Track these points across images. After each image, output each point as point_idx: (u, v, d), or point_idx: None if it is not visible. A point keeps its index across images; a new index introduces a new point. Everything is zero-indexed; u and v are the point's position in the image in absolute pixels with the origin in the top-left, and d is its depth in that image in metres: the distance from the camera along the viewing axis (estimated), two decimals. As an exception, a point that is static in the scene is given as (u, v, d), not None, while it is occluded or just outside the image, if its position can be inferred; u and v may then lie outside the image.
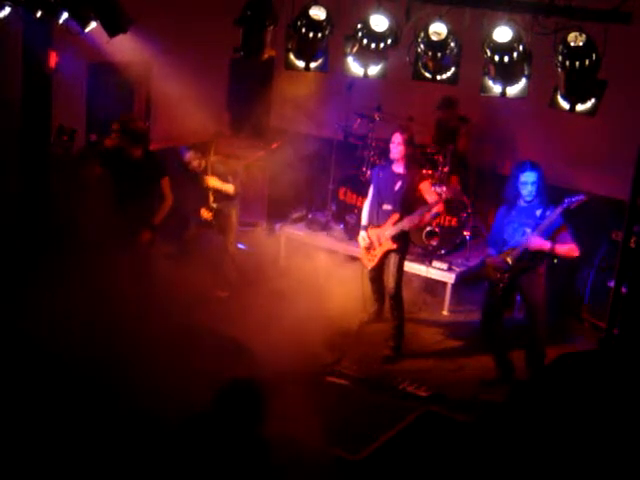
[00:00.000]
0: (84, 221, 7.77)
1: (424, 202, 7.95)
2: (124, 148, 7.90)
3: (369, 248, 8.09)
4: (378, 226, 8.01)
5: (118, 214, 7.88)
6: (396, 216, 7.88)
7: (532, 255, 7.19)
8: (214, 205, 8.57)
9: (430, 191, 8.02)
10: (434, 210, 7.96)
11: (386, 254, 8.00)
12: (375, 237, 8.02)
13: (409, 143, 7.89)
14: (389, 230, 7.91)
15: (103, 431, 5.97)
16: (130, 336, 7.02)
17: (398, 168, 7.96)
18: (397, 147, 7.86)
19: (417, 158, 8.74)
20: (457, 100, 9.75)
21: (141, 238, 8.01)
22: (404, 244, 8.04)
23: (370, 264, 8.17)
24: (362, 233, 8.15)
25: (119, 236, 7.70)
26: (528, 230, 7.15)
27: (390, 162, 8.05)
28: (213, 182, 8.47)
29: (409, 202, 7.91)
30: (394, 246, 7.92)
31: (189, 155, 8.42)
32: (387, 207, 7.96)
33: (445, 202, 8.16)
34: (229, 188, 8.55)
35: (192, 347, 7.22)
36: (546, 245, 7.11)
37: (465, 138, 9.85)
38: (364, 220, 8.22)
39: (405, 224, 7.86)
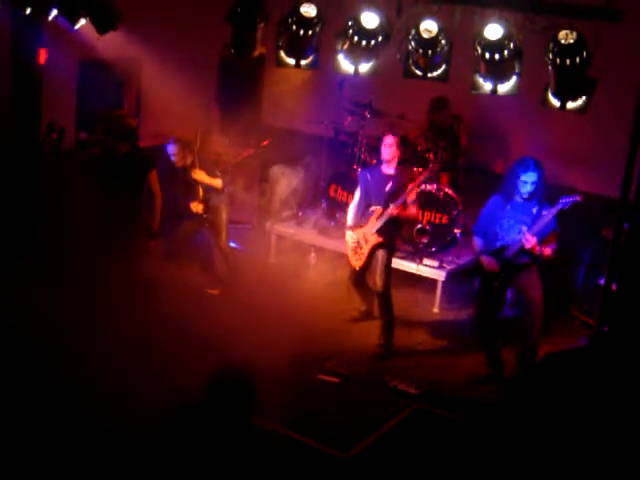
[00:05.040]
0: (73, 219, 7.74)
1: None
2: (110, 144, 7.83)
3: (356, 247, 8.08)
4: (362, 226, 7.99)
5: (106, 211, 7.82)
6: (379, 210, 7.86)
7: (527, 253, 7.18)
8: (204, 198, 8.52)
9: (413, 192, 7.92)
10: (411, 196, 7.86)
11: (373, 252, 7.94)
12: (361, 235, 7.99)
13: (400, 145, 7.89)
14: (373, 225, 7.89)
15: (95, 424, 5.96)
16: (120, 333, 7.00)
17: (389, 169, 7.90)
18: (389, 149, 7.83)
19: (408, 158, 8.74)
20: (448, 100, 9.70)
21: (147, 247, 8.08)
22: (391, 239, 7.98)
23: (358, 263, 8.10)
24: (348, 232, 8.12)
25: (107, 235, 7.67)
26: (524, 228, 7.12)
27: (379, 163, 8.02)
28: (200, 176, 8.40)
29: (396, 200, 7.85)
30: (380, 240, 7.87)
31: (173, 149, 8.37)
32: (375, 207, 7.92)
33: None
34: (217, 183, 8.50)
35: (182, 342, 7.23)
36: (537, 250, 7.08)
37: (465, 134, 9.83)
38: (349, 221, 8.20)
39: (389, 211, 7.76)
